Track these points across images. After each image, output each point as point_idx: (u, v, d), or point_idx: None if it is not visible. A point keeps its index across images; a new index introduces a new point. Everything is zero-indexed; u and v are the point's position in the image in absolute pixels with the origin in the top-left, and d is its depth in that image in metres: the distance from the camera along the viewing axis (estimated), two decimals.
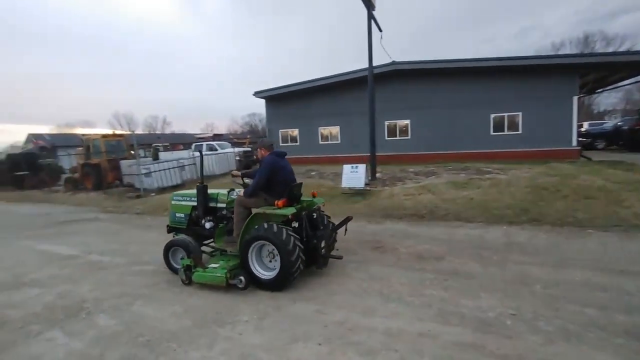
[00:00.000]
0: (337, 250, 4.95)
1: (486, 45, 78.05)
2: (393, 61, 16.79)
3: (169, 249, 4.70)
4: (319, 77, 19.43)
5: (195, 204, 4.90)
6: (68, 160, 21.86)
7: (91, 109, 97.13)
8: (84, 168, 17.02)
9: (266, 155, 4.48)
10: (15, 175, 19.75)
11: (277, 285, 3.90)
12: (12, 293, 4.33)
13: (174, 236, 4.99)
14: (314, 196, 4.80)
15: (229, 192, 4.97)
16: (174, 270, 4.65)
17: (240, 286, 4.00)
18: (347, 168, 9.79)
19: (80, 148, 18.78)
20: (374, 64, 11.66)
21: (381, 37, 12.80)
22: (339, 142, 19.98)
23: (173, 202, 5.17)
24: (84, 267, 5.28)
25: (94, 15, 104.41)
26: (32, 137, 37.26)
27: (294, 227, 4.14)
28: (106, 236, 7.41)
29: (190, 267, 4.30)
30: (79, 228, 8.52)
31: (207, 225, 4.75)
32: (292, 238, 3.86)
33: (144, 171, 13.79)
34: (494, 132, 16.52)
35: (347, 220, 4.79)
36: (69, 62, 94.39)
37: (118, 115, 69.81)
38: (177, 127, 72.15)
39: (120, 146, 17.85)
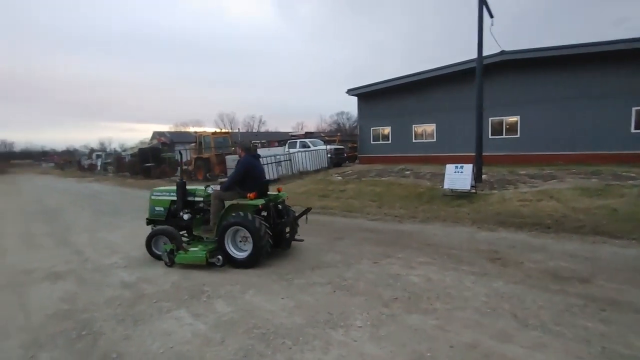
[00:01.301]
0: (299, 235, 5.56)
1: (616, 28, 65.43)
2: (502, 51, 15.00)
3: (151, 237, 5.24)
4: (415, 72, 18.51)
5: (173, 198, 5.53)
6: (184, 154, 24.97)
7: (201, 110, 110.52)
8: (196, 161, 19.17)
9: (243, 155, 5.21)
10: (144, 166, 23.30)
11: (249, 263, 4.64)
12: (146, 269, 4.89)
13: (152, 228, 5.52)
14: (279, 191, 5.53)
15: (205, 187, 5.58)
16: (156, 257, 5.20)
17: (218, 264, 4.72)
18: (450, 168, 8.99)
19: (194, 144, 21.23)
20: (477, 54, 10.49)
21: (492, 24, 11.46)
22: (434, 140, 18.76)
23: (153, 197, 5.75)
24: None
25: (203, 25, 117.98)
26: (157, 134, 43.75)
27: (263, 215, 4.88)
28: None
29: (172, 251, 4.89)
30: None
31: (186, 216, 5.32)
32: (263, 224, 4.64)
33: None
34: (635, 129, 13.58)
35: (307, 210, 5.52)
36: (183, 68, 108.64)
37: (222, 115, 77.59)
38: (271, 125, 77.16)
39: (226, 142, 19.62)
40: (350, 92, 21.24)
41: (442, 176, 9.84)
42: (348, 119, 62.37)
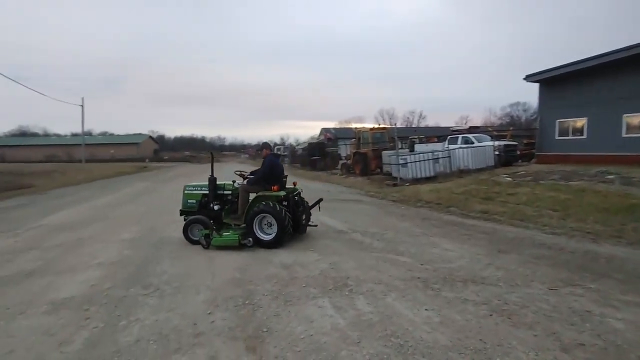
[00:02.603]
0: (313, 221, 6.49)
1: None
2: None
3: (188, 225, 5.99)
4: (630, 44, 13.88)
5: (204, 192, 6.24)
6: (344, 149, 26.71)
7: (362, 106, 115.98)
8: (355, 156, 20.11)
9: (268, 154, 6.18)
10: (312, 159, 26.10)
11: (274, 244, 5.57)
12: (300, 255, 5.36)
13: (185, 219, 6.20)
14: (294, 185, 6.45)
15: (233, 182, 6.42)
16: (191, 241, 5.92)
17: (249, 245, 5.57)
18: None
19: (353, 139, 22.32)
20: None
21: None
22: None
23: (186, 192, 6.42)
24: (349, 243, 5.91)
25: (368, 25, 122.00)
26: (324, 130, 48.30)
27: (285, 205, 5.76)
28: (367, 218, 8.18)
29: (208, 235, 5.65)
30: (347, 207, 9.92)
31: (216, 207, 6.11)
32: (285, 212, 5.57)
33: (401, 161, 14.59)
34: None
35: (319, 200, 6.46)
36: (350, 68, 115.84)
37: (382, 111, 79.03)
38: (432, 120, 73.89)
39: (383, 138, 19.82)
40: (529, 78, 17.92)
41: None
42: (525, 110, 53.29)
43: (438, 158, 15.33)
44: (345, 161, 23.22)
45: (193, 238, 5.98)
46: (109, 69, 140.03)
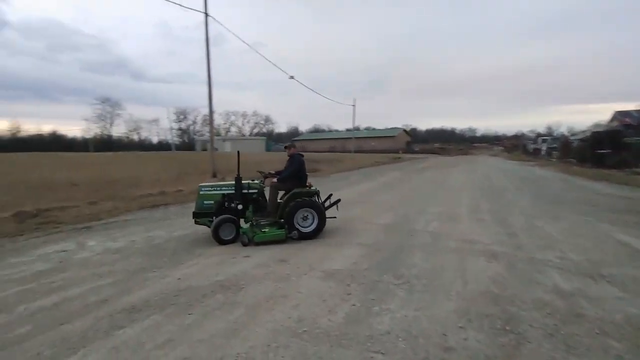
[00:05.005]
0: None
1: None
2: None
3: (219, 225, 5.72)
4: None
5: (224, 192, 6.13)
6: None
7: None
8: None
9: (295, 153, 6.52)
10: (596, 152, 19.89)
11: (314, 235, 5.97)
12: (587, 282, 3.97)
13: (195, 222, 6.10)
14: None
15: (259, 181, 6.54)
16: (222, 242, 5.70)
17: (294, 237, 5.80)
18: None
19: None
20: None
21: None
22: None
23: (202, 192, 6.12)
24: None
25: None
26: (617, 115, 35.81)
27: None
28: None
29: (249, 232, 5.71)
30: None
31: (240, 207, 6.01)
32: (322, 206, 6.18)
33: None
34: None
35: (336, 200, 6.60)
36: None
37: None
38: None
39: None
40: None
41: None
42: None
43: None
44: None
45: (224, 239, 5.81)
46: (374, 72, 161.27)
